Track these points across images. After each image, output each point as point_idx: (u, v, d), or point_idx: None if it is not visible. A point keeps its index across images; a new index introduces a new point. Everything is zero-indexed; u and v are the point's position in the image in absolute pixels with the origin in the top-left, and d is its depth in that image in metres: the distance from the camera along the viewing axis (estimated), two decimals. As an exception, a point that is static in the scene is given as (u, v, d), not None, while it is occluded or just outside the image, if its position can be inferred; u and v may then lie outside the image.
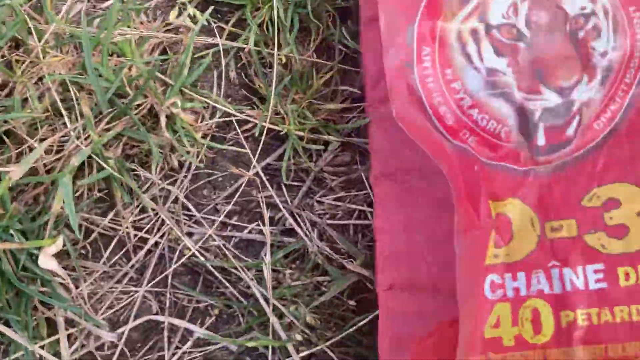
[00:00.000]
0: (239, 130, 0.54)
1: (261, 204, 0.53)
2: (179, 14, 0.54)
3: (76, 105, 0.51)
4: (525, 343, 0.40)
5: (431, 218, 0.47)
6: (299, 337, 0.48)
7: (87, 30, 0.52)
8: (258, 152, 0.53)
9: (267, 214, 0.52)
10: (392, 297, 0.47)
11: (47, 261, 0.46)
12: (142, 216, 0.52)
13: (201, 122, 0.54)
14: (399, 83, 0.45)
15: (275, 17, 0.53)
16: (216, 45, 0.55)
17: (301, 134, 0.53)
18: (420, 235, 0.47)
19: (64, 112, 0.51)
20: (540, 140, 0.43)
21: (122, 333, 0.49)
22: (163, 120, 0.51)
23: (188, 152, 0.52)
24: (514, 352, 0.40)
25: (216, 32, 0.55)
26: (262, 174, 0.53)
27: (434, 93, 0.45)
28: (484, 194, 0.42)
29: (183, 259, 0.51)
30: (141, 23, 0.57)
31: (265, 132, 0.53)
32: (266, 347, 0.49)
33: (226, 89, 0.56)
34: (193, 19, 0.55)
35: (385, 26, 0.46)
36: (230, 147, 0.54)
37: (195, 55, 0.55)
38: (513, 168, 0.43)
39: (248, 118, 0.54)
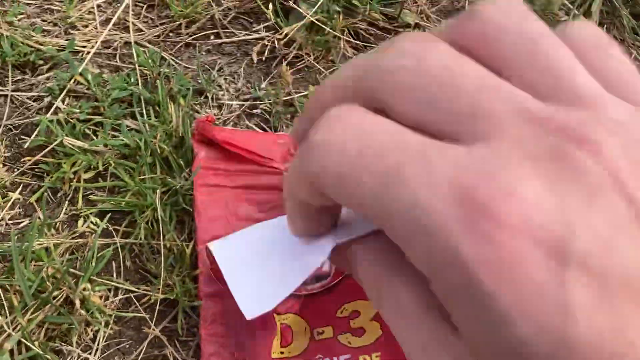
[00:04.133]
0: (137, 304, 0.70)
1: (168, 357, 0.67)
2: (84, 223, 0.72)
3: (4, 303, 0.65)
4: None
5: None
6: None
7: (8, 245, 0.68)
8: (155, 317, 0.69)
9: (168, 364, 0.67)
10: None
11: None
12: (65, 384, 0.65)
13: (106, 301, 0.69)
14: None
15: (159, 216, 0.72)
16: (114, 243, 0.72)
17: (187, 300, 0.69)
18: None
19: (-4, 310, 0.65)
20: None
21: None
22: (78, 303, 0.66)
23: (100, 324, 0.66)
24: None
25: (113, 233, 0.73)
26: (160, 335, 0.69)
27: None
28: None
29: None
30: (52, 235, 0.73)
31: (159, 301, 0.69)
32: None
33: (125, 274, 0.72)
34: (95, 225, 0.72)
35: None
36: (133, 314, 0.69)
37: (99, 254, 0.72)
38: (293, 294, 0.65)
39: (145, 292, 0.70)
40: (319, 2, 0.90)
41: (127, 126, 0.79)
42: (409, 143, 0.18)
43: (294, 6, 0.92)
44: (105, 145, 0.77)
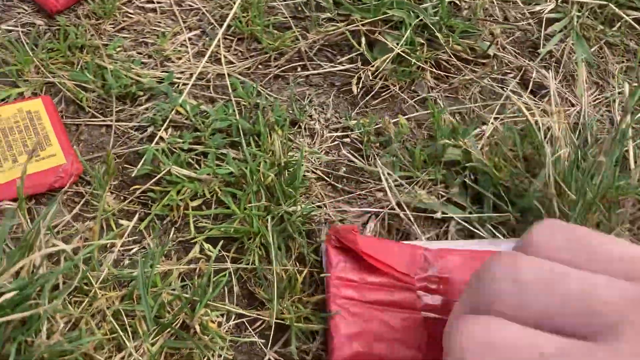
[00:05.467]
0: (250, 329, 0.72)
1: (278, 381, 0.69)
2: (196, 249, 0.74)
3: (128, 328, 0.67)
4: None
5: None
6: None
7: (128, 271, 0.71)
8: (271, 340, 0.71)
9: (284, 388, 0.68)
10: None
11: None
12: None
13: (220, 326, 0.71)
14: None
15: (270, 241, 0.74)
16: (226, 268, 0.74)
17: (299, 325, 0.71)
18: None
19: (121, 333, 0.67)
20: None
21: None
22: (198, 328, 0.68)
23: (219, 349, 0.68)
24: None
25: (227, 258, 0.75)
26: (275, 356, 0.70)
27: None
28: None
29: None
30: (162, 261, 0.75)
31: (273, 326, 0.71)
32: None
33: (236, 299, 0.74)
34: (209, 251, 0.74)
35: None
36: (248, 339, 0.71)
37: (213, 280, 0.74)
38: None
39: (258, 316, 0.72)
40: (405, 35, 0.93)
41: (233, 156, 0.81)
42: (544, 346, 0.21)
43: (380, 38, 0.95)
44: (210, 174, 0.80)
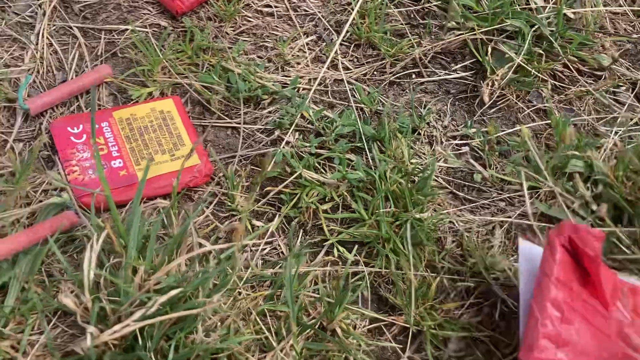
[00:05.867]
0: (386, 332, 0.73)
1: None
2: (329, 252, 0.76)
3: (271, 327, 0.69)
4: None
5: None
6: None
7: (270, 271, 0.73)
8: (408, 346, 0.72)
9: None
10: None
11: None
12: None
13: (355, 329, 0.73)
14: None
15: (408, 247, 0.75)
16: (359, 272, 0.76)
17: (433, 331, 0.72)
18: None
19: (268, 334, 0.68)
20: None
21: None
22: (339, 330, 0.70)
23: (355, 351, 0.69)
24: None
25: (362, 263, 0.76)
26: (409, 363, 0.71)
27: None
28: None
29: None
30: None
31: (411, 332, 0.72)
32: None
33: (365, 303, 0.75)
34: (343, 254, 0.76)
35: None
36: (385, 344, 0.72)
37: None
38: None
39: (393, 321, 0.73)
40: (525, 45, 0.93)
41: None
42: None
43: (497, 47, 0.95)
44: (339, 179, 0.81)
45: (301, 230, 0.80)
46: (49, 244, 0.70)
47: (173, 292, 0.62)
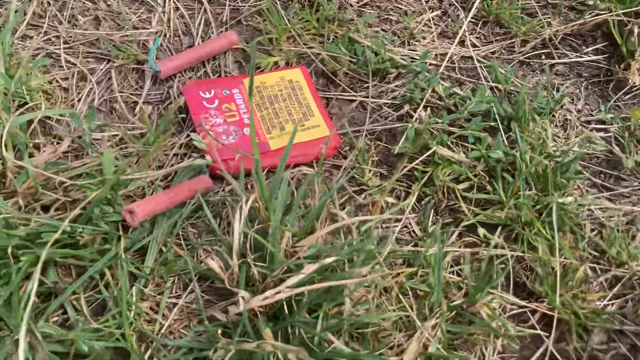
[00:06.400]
0: (531, 318, 0.69)
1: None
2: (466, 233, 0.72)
3: (413, 306, 0.66)
4: None
5: None
6: None
7: (408, 249, 0.70)
8: (553, 334, 0.68)
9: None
10: None
11: None
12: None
13: (499, 314, 0.69)
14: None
15: (544, 232, 0.71)
16: (502, 255, 0.72)
17: (578, 320, 0.68)
18: None
19: (410, 312, 0.66)
20: None
21: None
22: (484, 313, 0.66)
23: (498, 337, 0.66)
24: None
25: (503, 246, 0.73)
26: (554, 350, 0.68)
27: None
28: None
29: None
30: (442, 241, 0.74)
31: (555, 319, 0.68)
32: None
33: (506, 288, 0.72)
34: (485, 237, 0.73)
35: None
36: (530, 330, 0.68)
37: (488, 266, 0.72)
38: None
39: (537, 308, 0.70)
40: (669, 28, 0.88)
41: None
42: None
43: (634, 30, 0.90)
44: (476, 158, 0.77)
45: (432, 210, 0.77)
46: (186, 206, 0.68)
47: (327, 260, 0.59)
